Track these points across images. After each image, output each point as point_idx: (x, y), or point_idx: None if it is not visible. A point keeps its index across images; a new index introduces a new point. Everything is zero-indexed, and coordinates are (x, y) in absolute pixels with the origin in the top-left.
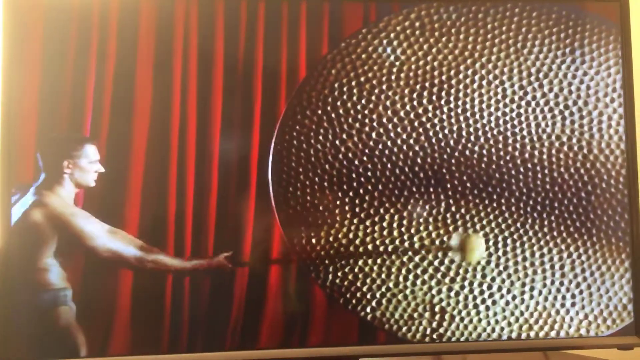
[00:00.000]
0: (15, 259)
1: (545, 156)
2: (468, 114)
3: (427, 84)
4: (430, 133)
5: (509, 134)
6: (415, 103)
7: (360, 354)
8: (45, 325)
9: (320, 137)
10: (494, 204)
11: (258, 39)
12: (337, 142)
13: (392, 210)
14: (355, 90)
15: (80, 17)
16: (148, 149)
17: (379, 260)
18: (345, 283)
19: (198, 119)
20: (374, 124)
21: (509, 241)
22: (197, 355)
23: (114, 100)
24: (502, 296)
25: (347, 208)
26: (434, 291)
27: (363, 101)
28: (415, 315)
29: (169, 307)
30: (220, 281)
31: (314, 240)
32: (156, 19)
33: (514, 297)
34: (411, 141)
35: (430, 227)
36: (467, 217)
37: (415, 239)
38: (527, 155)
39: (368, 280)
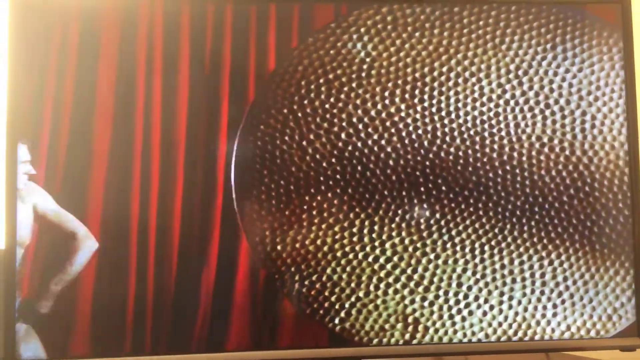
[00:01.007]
0: None
1: (524, 158)
2: (443, 113)
3: (399, 82)
4: (403, 133)
5: (486, 134)
6: (387, 102)
7: (362, 355)
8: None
9: (286, 138)
10: (471, 209)
11: (225, 33)
12: (304, 143)
13: (362, 215)
14: (323, 88)
15: (43, 15)
16: (110, 153)
17: (348, 268)
18: (313, 292)
19: (162, 120)
20: (344, 124)
21: (486, 248)
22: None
23: (74, 104)
24: (479, 306)
25: (314, 213)
26: (406, 301)
27: (332, 100)
28: (387, 326)
29: (132, 308)
30: (185, 287)
31: (279, 247)
32: (119, 19)
33: (491, 307)
34: (383, 142)
35: (403, 233)
36: (442, 223)
37: (387, 245)
38: (505, 157)
39: (337, 290)
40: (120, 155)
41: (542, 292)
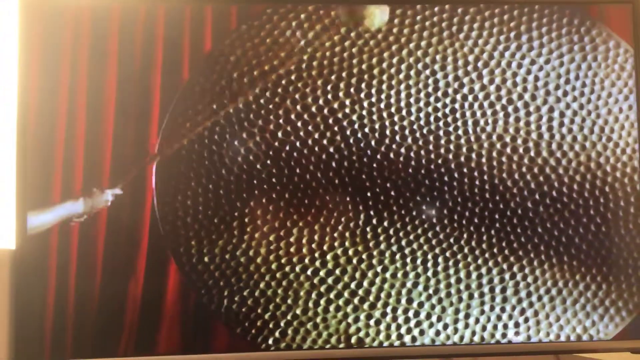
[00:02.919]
0: None
1: (484, 159)
2: (393, 109)
3: (344, 74)
4: (348, 132)
5: (441, 133)
6: (329, 96)
7: (371, 356)
8: None
9: (216, 137)
10: (423, 216)
11: (158, 21)
12: (236, 142)
13: (300, 223)
14: (258, 81)
15: None
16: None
17: (284, 283)
18: (244, 309)
19: (88, 114)
20: (280, 121)
21: (440, 259)
22: None
23: None
24: (431, 325)
25: (246, 220)
26: (350, 319)
27: (267, 94)
28: (328, 347)
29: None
30: (110, 296)
31: (206, 259)
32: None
33: (445, 327)
34: (325, 142)
35: (347, 243)
36: (391, 231)
37: (329, 257)
38: (462, 159)
39: (271, 306)
40: (40, 151)
41: (503, 310)
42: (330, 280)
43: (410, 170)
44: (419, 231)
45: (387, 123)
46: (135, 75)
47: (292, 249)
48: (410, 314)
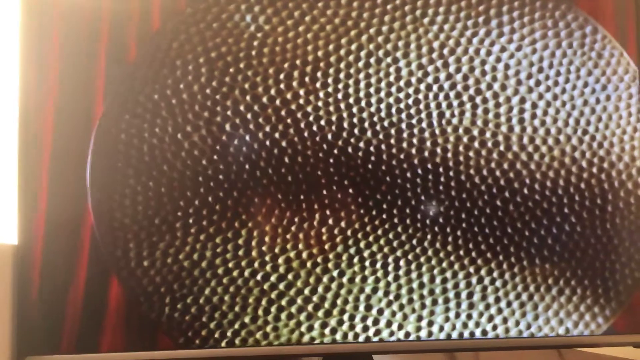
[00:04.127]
0: None
1: (450, 154)
2: (351, 100)
3: (298, 62)
4: (302, 125)
5: (403, 126)
6: (282, 86)
7: (374, 351)
8: None
9: (157, 130)
10: (384, 215)
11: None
12: (180, 135)
13: (250, 224)
14: (203, 70)
15: None
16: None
17: (231, 289)
18: (187, 318)
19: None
20: (228, 112)
21: (402, 262)
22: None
23: None
24: (392, 334)
25: (191, 221)
26: (303, 327)
27: (214, 83)
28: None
29: None
30: (50, 299)
31: (146, 263)
32: None
33: (407, 335)
34: (277, 135)
35: (300, 246)
36: (349, 232)
37: (280, 260)
38: (426, 154)
39: (217, 314)
40: None
41: (470, 317)
42: (282, 286)
43: (370, 166)
44: (379, 232)
45: (344, 115)
46: (81, 50)
47: (240, 252)
48: (369, 321)
